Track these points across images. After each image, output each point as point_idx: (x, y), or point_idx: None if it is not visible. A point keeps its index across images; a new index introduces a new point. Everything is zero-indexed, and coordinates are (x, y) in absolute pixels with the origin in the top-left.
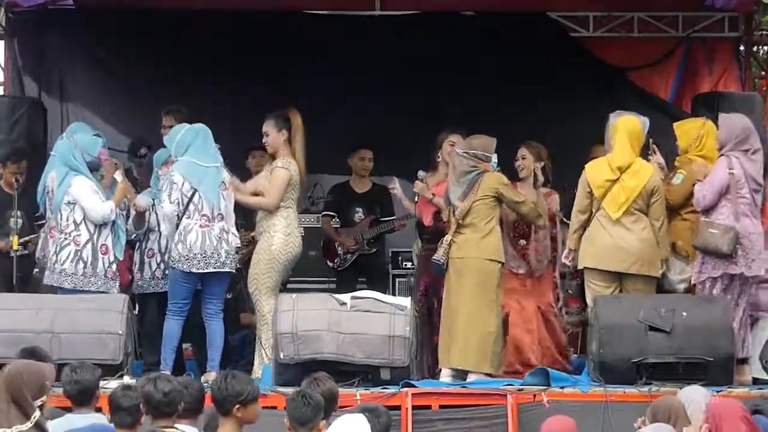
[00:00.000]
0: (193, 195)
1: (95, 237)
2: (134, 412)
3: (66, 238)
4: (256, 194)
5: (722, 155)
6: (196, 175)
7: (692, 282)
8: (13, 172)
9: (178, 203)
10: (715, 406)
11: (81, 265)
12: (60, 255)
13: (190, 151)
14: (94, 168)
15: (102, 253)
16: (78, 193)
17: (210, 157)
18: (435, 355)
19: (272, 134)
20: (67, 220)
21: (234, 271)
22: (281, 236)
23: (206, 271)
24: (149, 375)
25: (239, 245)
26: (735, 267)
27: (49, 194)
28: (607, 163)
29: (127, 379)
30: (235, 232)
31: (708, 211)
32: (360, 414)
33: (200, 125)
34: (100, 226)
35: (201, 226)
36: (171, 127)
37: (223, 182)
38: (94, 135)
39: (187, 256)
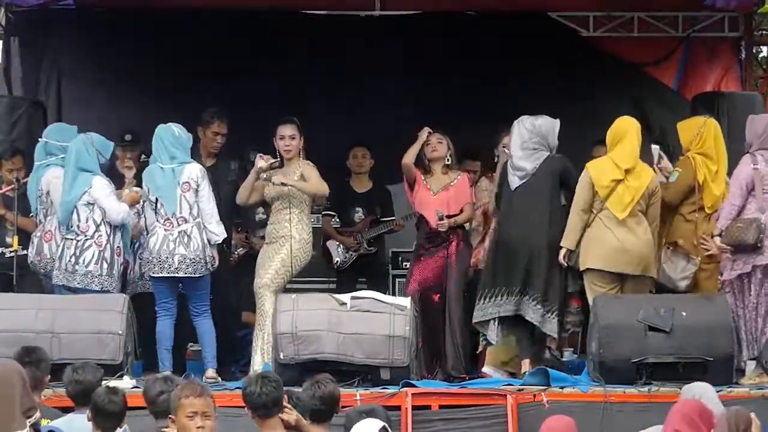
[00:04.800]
0: (157, 200)
1: (112, 238)
2: (117, 417)
3: (87, 240)
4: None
5: (747, 153)
6: (154, 181)
7: (723, 280)
8: (9, 168)
9: (140, 211)
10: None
11: (105, 265)
12: (83, 257)
13: (156, 154)
14: (104, 169)
15: (116, 255)
16: (99, 194)
17: (166, 157)
18: (432, 355)
19: (297, 138)
20: (87, 221)
21: (195, 275)
22: (304, 240)
23: (160, 275)
24: (156, 375)
25: (217, 242)
26: (763, 258)
27: (43, 197)
28: (610, 162)
29: (127, 379)
30: (215, 228)
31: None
32: (378, 420)
33: (160, 126)
34: (115, 228)
35: (165, 229)
36: (224, 135)
37: (187, 182)
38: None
39: (148, 259)
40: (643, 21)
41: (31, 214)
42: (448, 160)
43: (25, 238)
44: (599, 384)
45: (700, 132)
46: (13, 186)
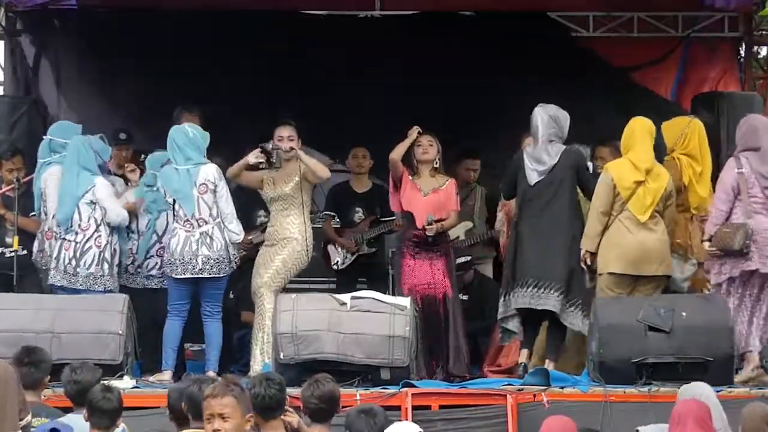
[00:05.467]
0: (174, 201)
1: (111, 238)
2: (112, 414)
3: (87, 241)
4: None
5: (731, 156)
6: (171, 183)
7: (711, 283)
8: (9, 168)
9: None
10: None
11: (106, 265)
12: (83, 259)
13: (171, 156)
14: (101, 171)
15: (113, 256)
16: (101, 194)
17: (182, 158)
18: (432, 355)
19: (295, 139)
20: (89, 220)
21: (219, 275)
22: (306, 241)
23: (184, 276)
24: (193, 376)
25: (237, 241)
26: (750, 264)
27: (43, 195)
28: (629, 163)
29: (127, 379)
30: (235, 228)
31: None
32: (413, 425)
33: (174, 127)
34: (112, 228)
35: (186, 231)
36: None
37: (204, 184)
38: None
39: (170, 260)
40: (642, 21)
41: (32, 213)
42: (436, 163)
43: (25, 238)
44: (599, 384)
45: (684, 132)
46: (13, 186)
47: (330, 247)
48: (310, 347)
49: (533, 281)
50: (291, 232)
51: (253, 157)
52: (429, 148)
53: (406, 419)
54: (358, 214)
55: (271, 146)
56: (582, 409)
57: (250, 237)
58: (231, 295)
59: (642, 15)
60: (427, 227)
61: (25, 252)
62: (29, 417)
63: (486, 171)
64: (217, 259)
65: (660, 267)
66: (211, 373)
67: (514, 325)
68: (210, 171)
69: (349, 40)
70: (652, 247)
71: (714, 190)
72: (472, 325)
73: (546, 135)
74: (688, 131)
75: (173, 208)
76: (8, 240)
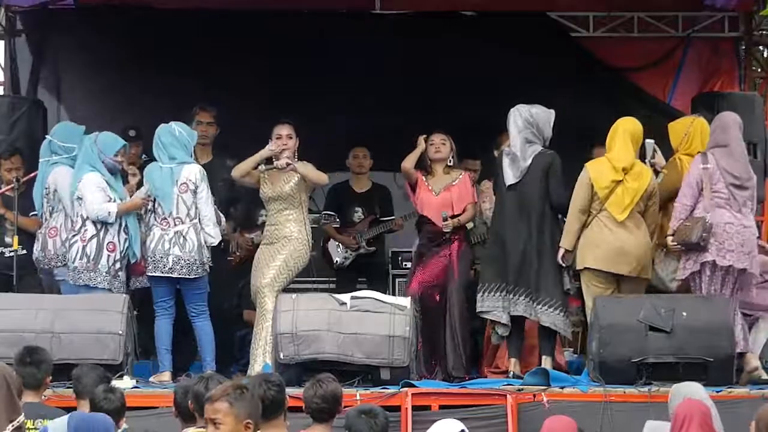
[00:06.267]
0: (155, 199)
1: (101, 234)
2: (114, 414)
3: (74, 236)
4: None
5: (699, 152)
6: (153, 180)
7: (679, 278)
8: (8, 168)
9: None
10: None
11: (84, 260)
12: (70, 252)
13: (156, 154)
14: (112, 170)
15: (108, 251)
16: (84, 187)
17: (165, 156)
18: (432, 355)
19: (293, 138)
20: (76, 215)
21: (189, 276)
22: (306, 240)
23: (155, 275)
24: (203, 374)
25: (212, 244)
26: (707, 255)
27: (50, 195)
28: (608, 162)
29: (127, 379)
30: (212, 231)
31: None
32: (457, 421)
33: (161, 126)
34: (106, 224)
35: (161, 229)
36: (209, 123)
37: (185, 183)
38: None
39: (145, 257)
40: (642, 21)
41: (32, 213)
42: (450, 161)
43: (25, 237)
44: (599, 384)
45: (687, 132)
46: (12, 185)
47: (330, 247)
48: (310, 347)
49: (505, 285)
50: (291, 230)
51: (279, 157)
52: (441, 147)
53: (406, 419)
54: (358, 214)
55: (264, 168)
56: (582, 409)
57: (251, 236)
58: (232, 295)
59: (642, 15)
60: (444, 224)
61: (24, 252)
62: (22, 417)
63: (486, 171)
64: (188, 260)
65: (636, 269)
66: (209, 373)
67: (501, 329)
68: (193, 171)
69: (349, 39)
70: (630, 249)
71: None
72: (471, 325)
73: (519, 138)
74: (691, 130)
75: (153, 206)
76: (8, 240)
